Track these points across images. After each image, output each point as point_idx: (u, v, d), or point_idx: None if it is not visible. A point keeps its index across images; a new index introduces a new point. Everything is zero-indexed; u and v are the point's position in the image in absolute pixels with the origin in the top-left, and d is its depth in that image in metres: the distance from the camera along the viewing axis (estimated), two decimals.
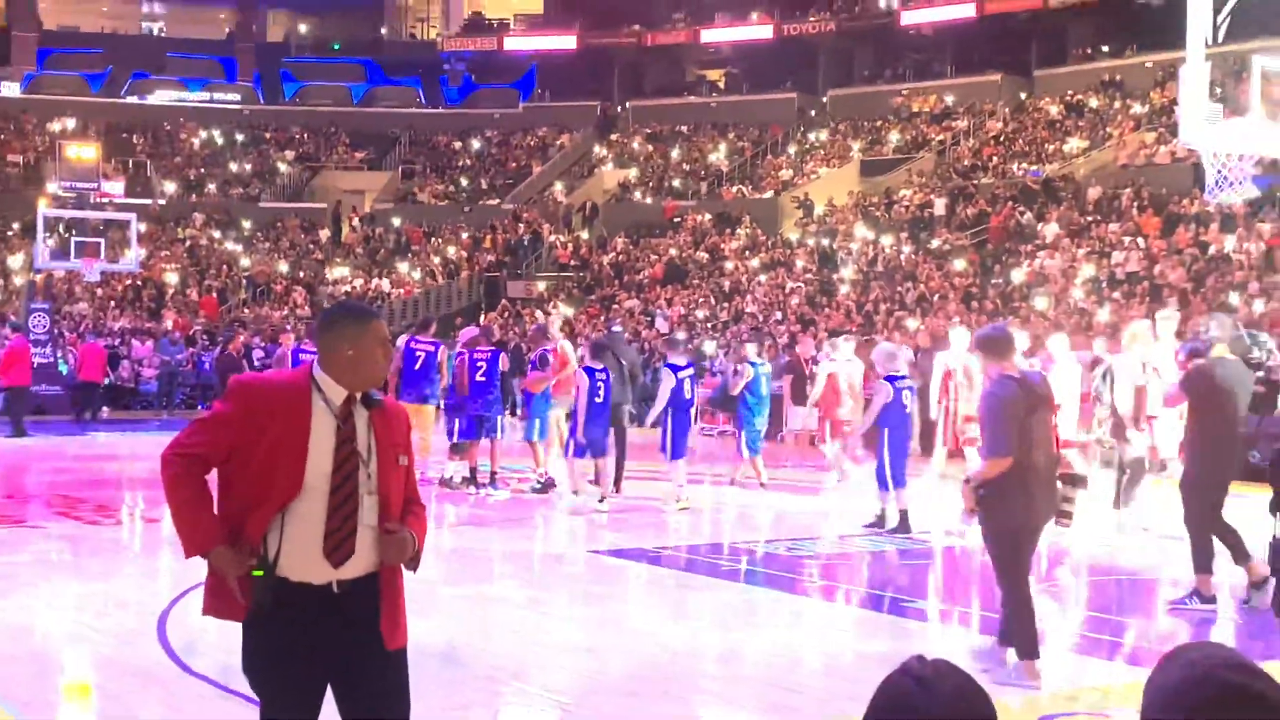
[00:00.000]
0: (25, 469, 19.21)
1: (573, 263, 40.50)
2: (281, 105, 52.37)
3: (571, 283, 38.87)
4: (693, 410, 14.98)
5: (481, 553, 11.92)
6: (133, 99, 50.35)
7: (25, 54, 50.82)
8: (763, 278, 34.25)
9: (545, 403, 15.57)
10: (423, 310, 37.11)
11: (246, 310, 37.11)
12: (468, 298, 39.70)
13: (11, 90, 48.88)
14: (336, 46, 55.81)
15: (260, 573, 3.99)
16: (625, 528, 13.38)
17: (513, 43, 52.27)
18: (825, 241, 35.76)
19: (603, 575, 11.04)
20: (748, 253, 37.16)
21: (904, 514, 12.97)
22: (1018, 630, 7.25)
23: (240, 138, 49.36)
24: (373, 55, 54.94)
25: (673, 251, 38.39)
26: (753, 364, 15.74)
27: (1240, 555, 9.49)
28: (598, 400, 14.06)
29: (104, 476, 17.57)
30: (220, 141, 48.96)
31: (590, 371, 14.14)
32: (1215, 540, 9.38)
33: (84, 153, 35.98)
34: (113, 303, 35.93)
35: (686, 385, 14.49)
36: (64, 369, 29.02)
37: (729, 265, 36.33)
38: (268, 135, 49.87)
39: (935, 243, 33.03)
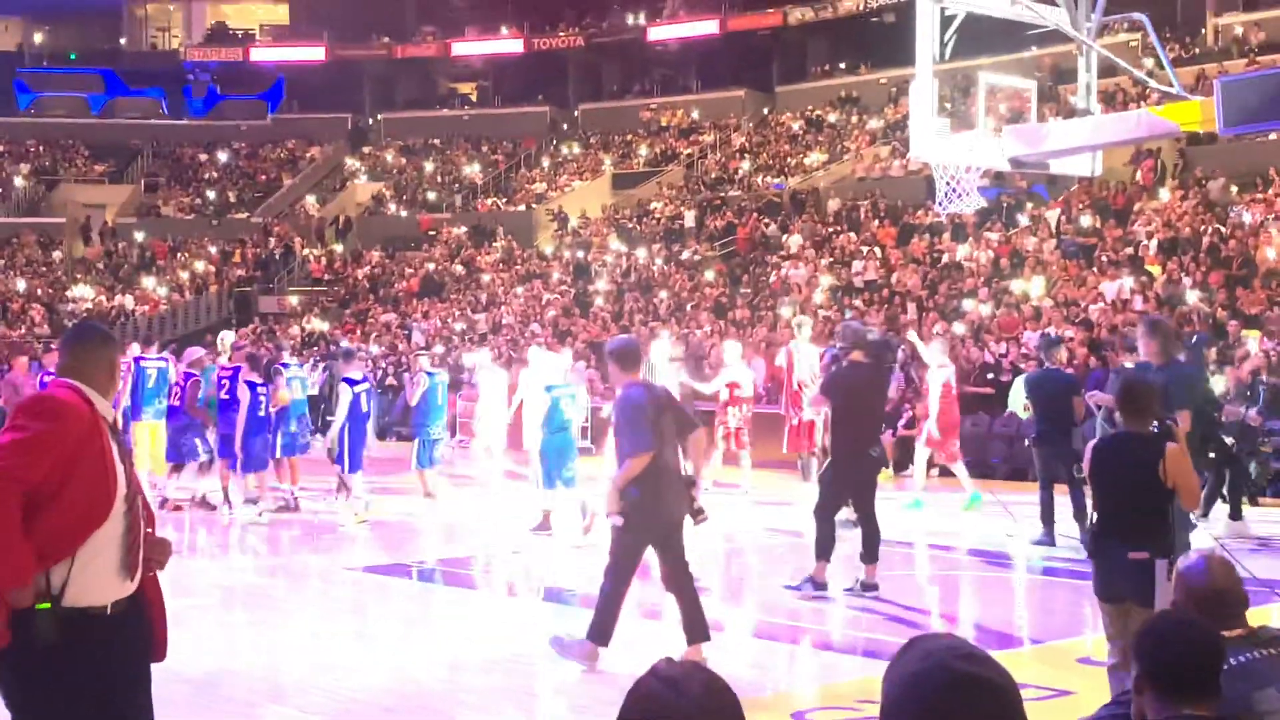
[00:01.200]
0: None
1: (327, 277, 39.74)
2: (16, 117, 49.90)
3: (326, 297, 38.12)
4: (369, 424, 14.89)
5: (235, 574, 11.55)
6: None
7: None
8: (519, 290, 34.21)
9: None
10: (169, 327, 35.90)
11: None
12: (217, 313, 38.53)
13: None
14: (73, 56, 53.48)
15: (47, 605, 3.78)
16: (376, 543, 13.15)
17: (259, 54, 51.01)
18: (580, 254, 35.93)
19: (358, 591, 10.81)
20: (503, 265, 37.06)
21: (547, 514, 13.13)
22: (601, 618, 7.58)
23: None
24: (112, 65, 52.82)
25: (429, 265, 38.02)
26: (429, 374, 15.78)
27: (870, 555, 9.90)
28: (259, 414, 14.44)
29: None
30: None
31: (252, 386, 14.42)
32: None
33: None
34: None
35: (363, 399, 14.36)
36: None
37: (485, 278, 36.17)
38: (1, 148, 47.45)
39: (686, 254, 33.53)
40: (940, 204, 11.81)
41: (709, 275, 31.36)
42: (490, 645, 8.56)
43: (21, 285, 39.13)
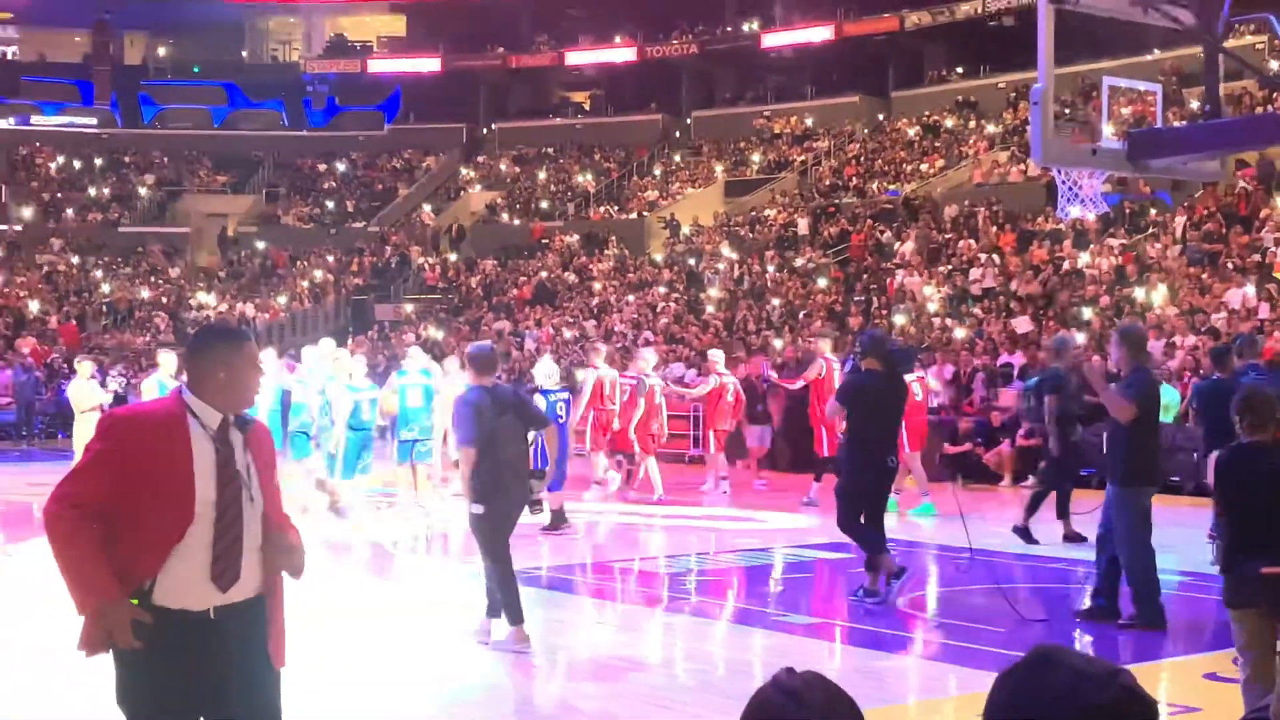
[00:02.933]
0: None
1: (441, 285, 40.23)
2: (141, 129, 51.26)
3: (440, 305, 38.59)
4: (370, 431, 14.95)
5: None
6: None
7: None
8: (631, 297, 34.34)
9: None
10: (288, 334, 36.57)
11: (108, 337, 36.20)
12: (335, 321, 39.19)
13: None
14: (197, 69, 54.79)
15: (135, 601, 3.88)
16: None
17: (377, 65, 51.84)
18: (692, 261, 35.97)
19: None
20: (615, 273, 37.22)
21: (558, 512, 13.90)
22: (507, 601, 8.35)
23: (99, 161, 48.22)
24: (234, 78, 54.04)
25: (542, 273, 38.32)
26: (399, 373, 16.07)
27: (871, 564, 9.97)
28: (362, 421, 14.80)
29: None
30: (78, 165, 47.77)
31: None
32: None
33: None
34: None
35: (364, 406, 14.53)
36: None
37: (597, 285, 36.37)
38: (127, 159, 48.77)
39: (800, 261, 33.41)
40: (1061, 210, 11.63)
41: (822, 282, 31.21)
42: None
43: (146, 293, 40.17)
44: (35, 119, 50.01)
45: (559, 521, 14.04)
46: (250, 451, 4.12)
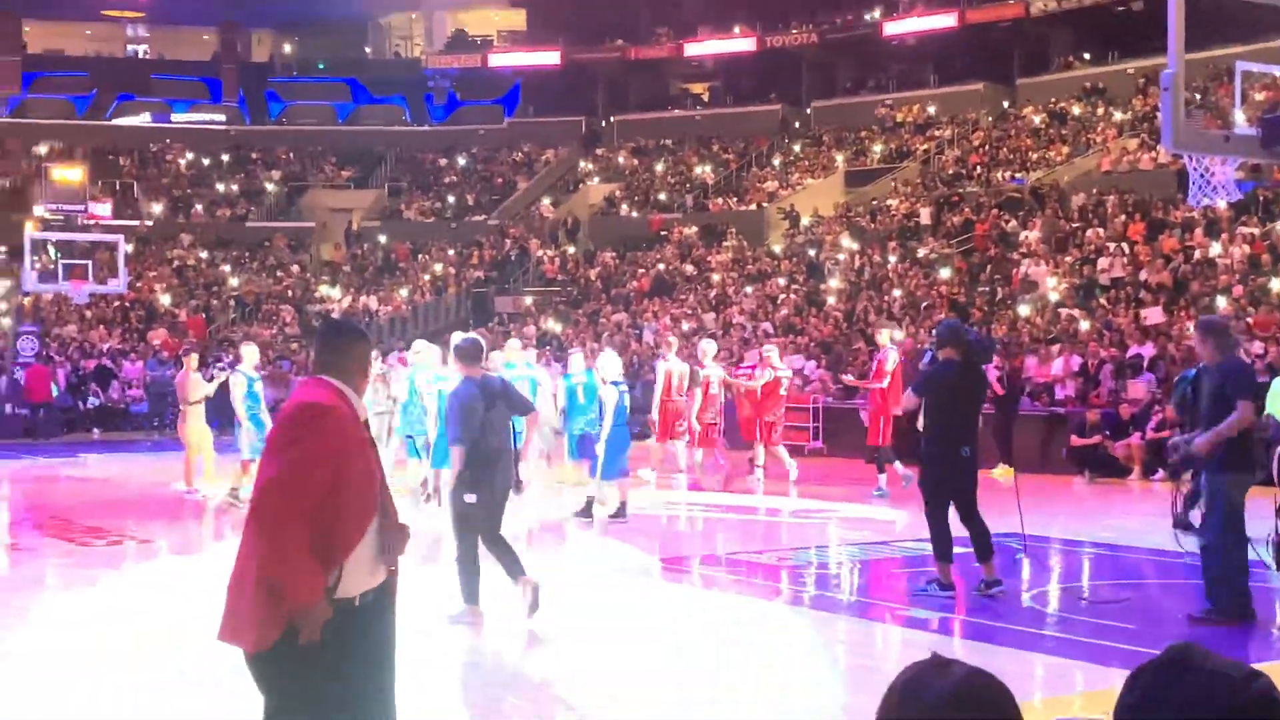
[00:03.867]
0: (18, 492, 19.16)
1: (560, 277, 40.51)
2: (267, 125, 52.37)
3: (559, 297, 38.87)
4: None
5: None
6: (118, 121, 50.30)
7: (10, 78, 50.75)
8: (749, 289, 34.26)
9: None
10: (410, 327, 37.10)
11: (235, 329, 37.04)
12: (455, 313, 39.67)
13: None
14: (321, 66, 55.82)
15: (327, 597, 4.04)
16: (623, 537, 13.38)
17: (497, 59, 52.33)
18: (811, 252, 35.79)
19: (599, 588, 11.02)
20: (734, 265, 37.16)
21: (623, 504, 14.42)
22: (465, 584, 8.92)
23: (226, 158, 49.33)
24: (357, 74, 54.97)
25: (659, 265, 38.40)
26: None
27: (983, 553, 9.96)
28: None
29: (97, 499, 17.48)
30: (206, 162, 48.92)
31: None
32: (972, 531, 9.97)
33: (70, 175, 35.93)
34: (101, 324, 35.87)
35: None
36: (54, 390, 29.00)
37: (715, 277, 36.35)
38: (254, 155, 49.83)
39: (922, 251, 33.07)
40: (1193, 198, 11.39)
41: (945, 273, 30.86)
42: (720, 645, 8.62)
43: (272, 286, 41.04)
44: (165, 117, 51.33)
45: (620, 513, 14.40)
46: (372, 442, 4.32)
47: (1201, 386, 9.60)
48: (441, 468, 14.47)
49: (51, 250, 32.26)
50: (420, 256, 43.67)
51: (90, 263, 31.50)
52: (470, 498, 8.77)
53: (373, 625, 4.11)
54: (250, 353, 16.79)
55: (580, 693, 7.53)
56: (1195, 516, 10.88)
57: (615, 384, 14.38)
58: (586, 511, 14.54)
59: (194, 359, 18.10)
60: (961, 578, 10.16)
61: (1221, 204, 12.55)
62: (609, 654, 8.50)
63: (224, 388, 16.86)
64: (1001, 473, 17.70)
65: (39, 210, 36.96)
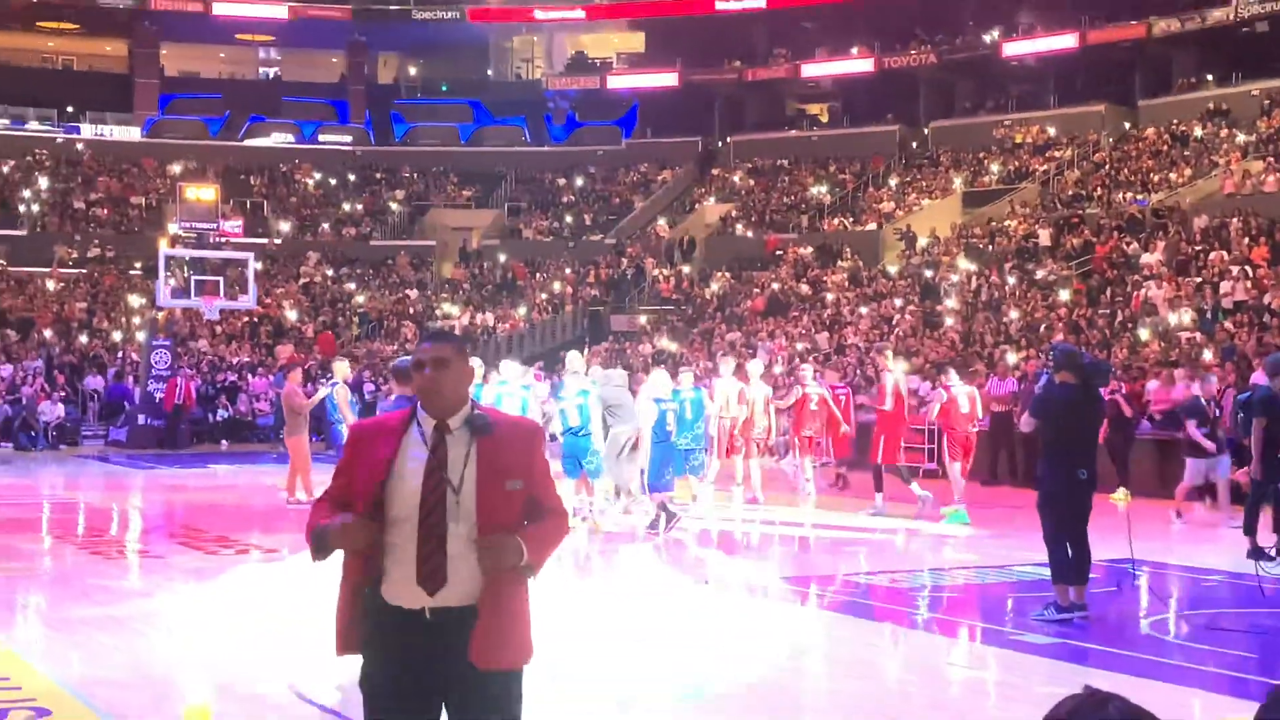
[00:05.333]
0: (148, 500, 19.66)
1: (675, 296, 40.57)
2: (392, 146, 53.23)
3: (674, 315, 38.93)
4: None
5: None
6: (249, 142, 51.47)
7: (147, 100, 52.22)
8: (864, 309, 34.03)
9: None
10: (528, 345, 37.41)
11: (359, 345, 37.64)
12: (571, 331, 39.92)
13: (134, 135, 50.21)
14: (445, 88, 56.59)
15: (369, 590, 4.07)
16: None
17: (615, 81, 52.66)
18: (927, 273, 35.45)
19: (702, 598, 11.01)
20: (850, 285, 36.93)
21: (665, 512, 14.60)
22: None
23: (352, 178, 50.22)
24: (479, 96, 55.64)
25: (774, 285, 38.30)
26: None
27: (1079, 576, 9.93)
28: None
29: (225, 509, 17.87)
30: (333, 182, 49.83)
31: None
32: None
33: (203, 194, 36.77)
34: (231, 339, 36.68)
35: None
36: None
37: (830, 297, 36.16)
38: (378, 175, 50.67)
39: (1041, 273, 32.60)
40: None
41: (1064, 295, 30.37)
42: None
43: (394, 303, 41.67)
44: (294, 137, 52.40)
45: (656, 524, 14.66)
46: (477, 458, 4.10)
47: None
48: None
49: (184, 267, 33.07)
50: (538, 275, 44.04)
51: (221, 279, 32.21)
52: None
53: (429, 643, 4.06)
54: (341, 367, 17.66)
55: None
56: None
57: (658, 401, 14.81)
58: (655, 525, 14.75)
59: (298, 374, 18.79)
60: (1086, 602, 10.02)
61: None
62: (743, 676, 8.48)
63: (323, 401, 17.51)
64: (1121, 497, 17.40)
65: (173, 228, 37.89)
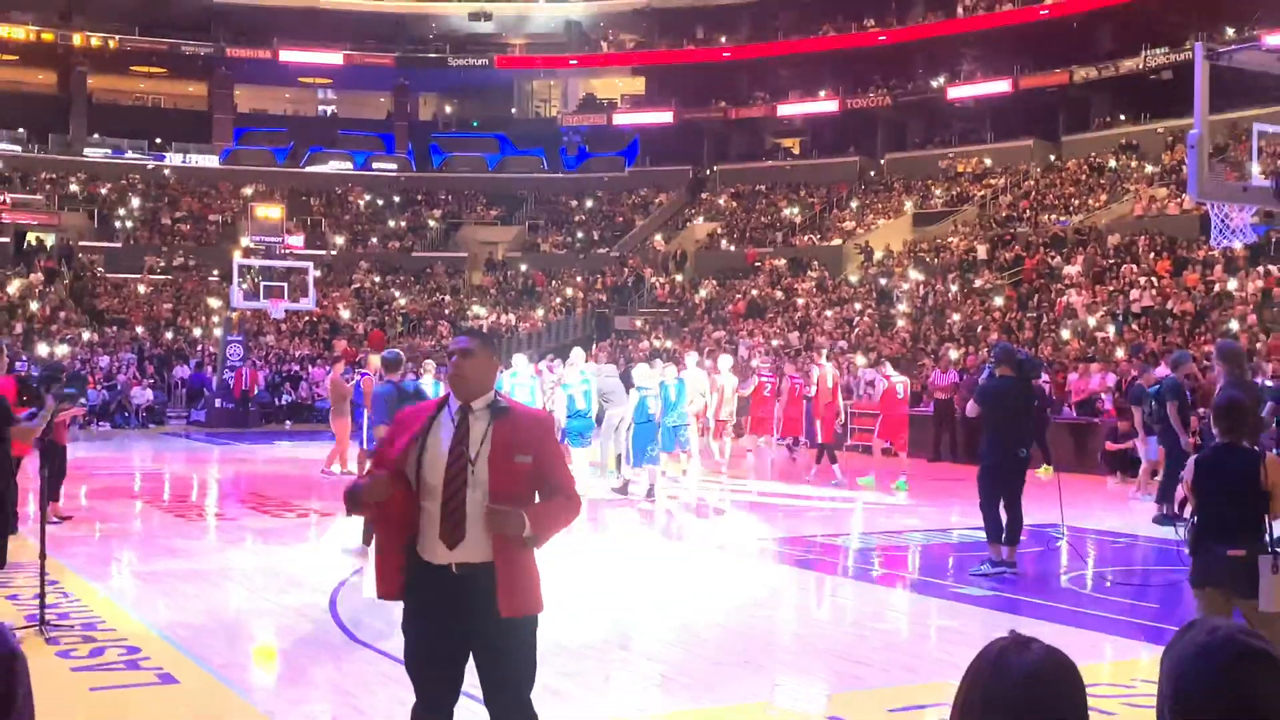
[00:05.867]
0: (223, 472, 19.68)
1: (669, 301, 40.53)
2: (431, 172, 53.13)
3: (668, 317, 38.88)
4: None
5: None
6: (310, 168, 51.40)
7: (224, 132, 52.12)
8: (830, 312, 34.00)
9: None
10: (545, 341, 37.40)
11: (402, 340, 37.60)
12: (581, 330, 39.90)
13: (212, 162, 50.15)
14: (475, 124, 56.52)
15: (408, 548, 4.12)
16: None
17: (620, 118, 52.54)
18: (883, 281, 35.42)
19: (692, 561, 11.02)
20: (817, 291, 36.90)
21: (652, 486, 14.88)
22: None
23: (397, 199, 50.15)
24: (504, 130, 55.53)
25: (753, 291, 38.25)
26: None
27: (1011, 537, 10.00)
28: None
29: (286, 477, 17.90)
30: (380, 203, 49.79)
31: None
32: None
33: (271, 213, 36.70)
34: (294, 335, 36.67)
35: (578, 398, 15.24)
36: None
37: (801, 302, 36.12)
38: (419, 197, 50.62)
39: (978, 282, 32.58)
40: (1214, 240, 11.14)
41: (998, 301, 30.35)
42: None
43: (432, 306, 41.63)
44: (348, 165, 52.33)
45: (644, 493, 14.91)
46: (492, 436, 4.08)
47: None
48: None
49: (255, 274, 33.04)
50: (553, 282, 44.02)
51: (286, 284, 32.16)
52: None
53: (455, 593, 4.06)
54: (374, 360, 17.43)
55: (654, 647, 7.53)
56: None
57: (640, 389, 15.08)
58: (623, 490, 15.40)
59: (340, 366, 18.87)
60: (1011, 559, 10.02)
61: (1238, 245, 12.29)
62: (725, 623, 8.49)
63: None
64: (1044, 471, 17.44)
65: (245, 241, 37.85)
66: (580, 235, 47.81)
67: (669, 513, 14.31)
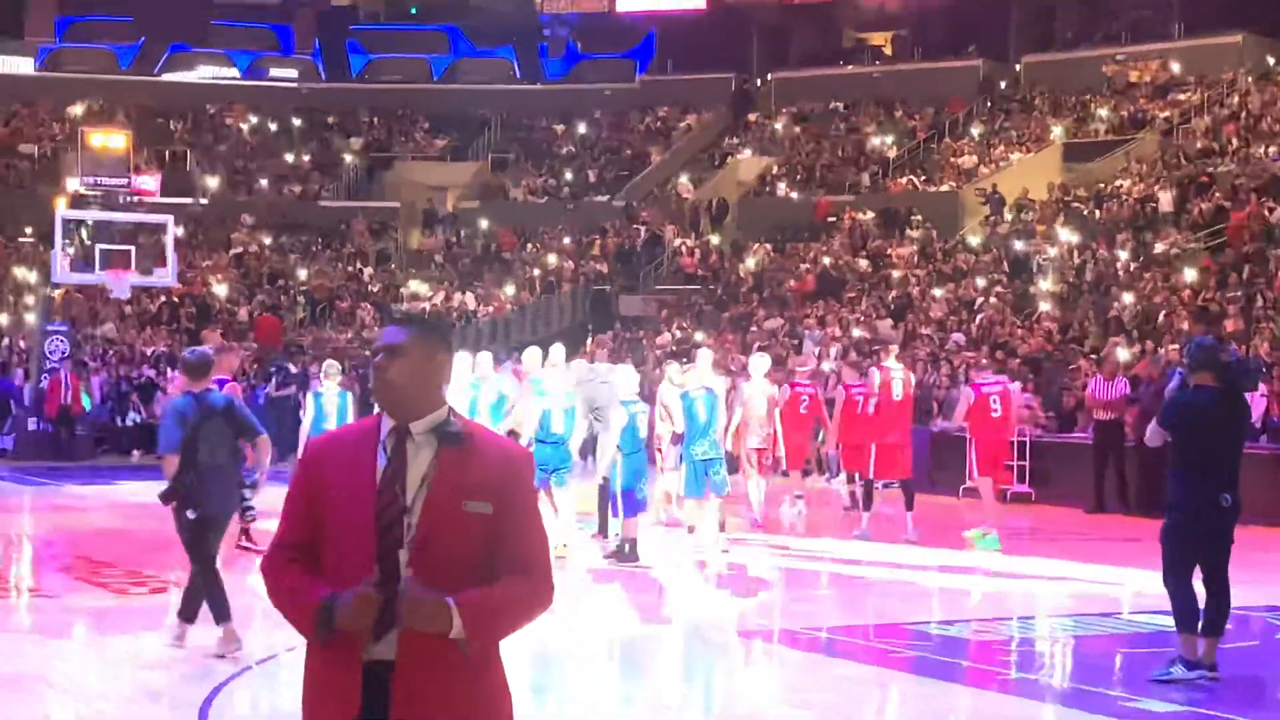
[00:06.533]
0: (39, 525, 19.66)
1: (701, 273, 40.52)
2: (347, 83, 53.23)
3: (700, 298, 38.83)
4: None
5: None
6: (169, 77, 51.48)
7: (41, 24, 52.23)
8: (939, 291, 33.95)
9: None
10: (516, 333, 37.38)
11: (305, 332, 37.61)
12: (571, 316, 39.87)
13: (24, 67, 50.27)
14: (414, 10, 56.62)
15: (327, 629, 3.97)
16: None
17: (627, 2, 52.57)
18: (1018, 246, 35.37)
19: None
20: (921, 260, 36.87)
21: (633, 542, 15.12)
22: (213, 601, 10.23)
23: (297, 123, 50.23)
24: (457, 21, 55.57)
25: (825, 259, 38.24)
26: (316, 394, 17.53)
27: (1212, 626, 9.87)
28: None
29: (132, 534, 17.82)
30: (274, 128, 49.84)
31: None
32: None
33: (111, 142, 36.71)
34: (145, 324, 36.70)
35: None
36: (87, 402, 29.77)
37: (896, 275, 36.09)
38: (330, 120, 50.69)
39: (1160, 246, 32.52)
40: None
41: (1191, 275, 30.27)
42: None
43: (349, 280, 41.63)
44: (225, 72, 52.39)
45: (626, 552, 15.15)
46: (437, 471, 4.05)
47: None
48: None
49: (86, 233, 32.97)
50: (529, 246, 44.01)
51: (133, 249, 32.08)
52: (191, 513, 10.19)
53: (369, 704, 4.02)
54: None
55: None
56: None
57: (626, 404, 15.25)
58: (623, 553, 15.31)
59: (184, 382, 18.84)
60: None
61: None
62: None
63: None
64: None
65: (73, 184, 37.85)
66: (569, 177, 47.85)
67: (663, 589, 14.31)
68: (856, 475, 19.09)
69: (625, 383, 15.58)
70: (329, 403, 16.89)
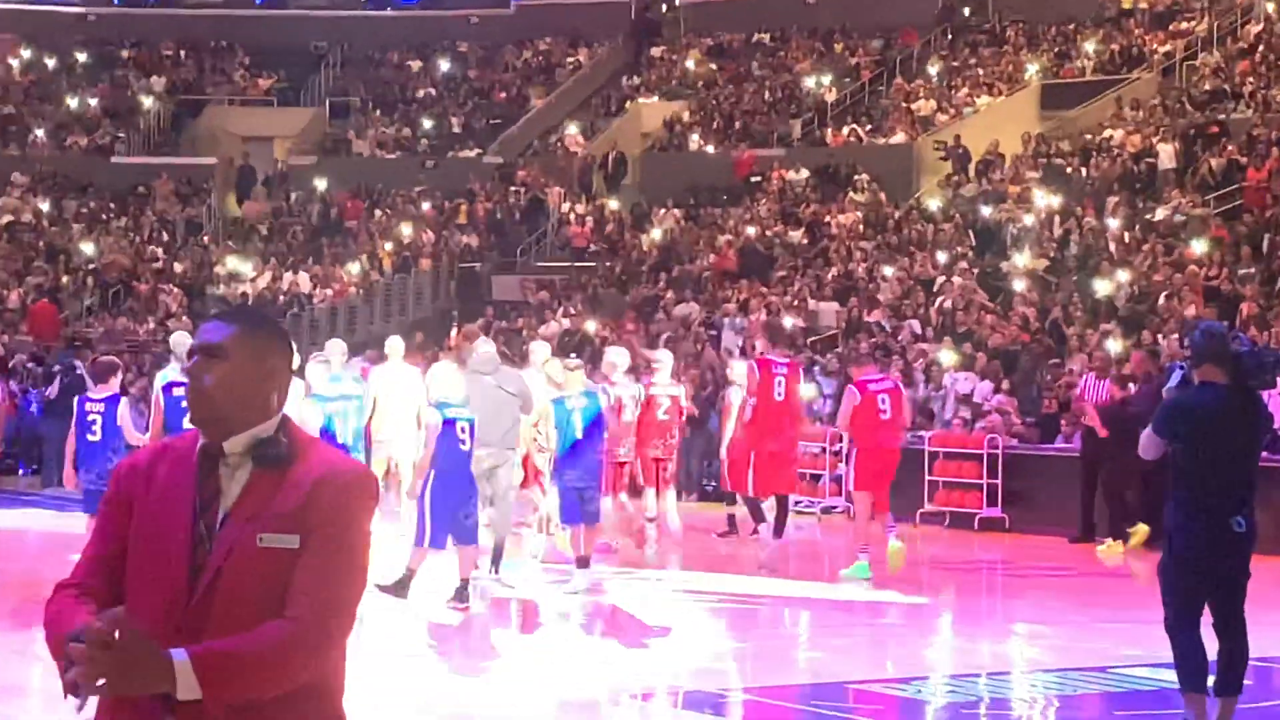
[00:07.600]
0: None
1: (594, 247, 40.52)
2: (146, 8, 52.76)
3: (594, 276, 38.80)
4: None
5: None
6: None
7: None
8: (890, 270, 34.11)
9: None
10: (363, 321, 37.23)
11: (91, 322, 37.26)
12: (432, 300, 39.77)
13: None
14: None
15: None
16: None
17: None
18: (986, 211, 35.62)
19: None
20: (867, 229, 37.04)
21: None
22: None
23: (82, 58, 49.76)
24: None
25: (750, 230, 38.31)
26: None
27: (1226, 685, 9.99)
28: None
29: None
30: (51, 64, 49.36)
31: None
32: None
33: None
34: None
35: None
36: None
37: (837, 250, 36.22)
38: (124, 54, 50.25)
39: (1161, 212, 32.85)
40: None
41: (1198, 246, 30.61)
42: None
43: (149, 256, 41.32)
44: None
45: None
46: (246, 497, 4.08)
47: None
48: None
49: None
50: (379, 213, 43.85)
51: None
52: None
53: None
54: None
55: None
56: None
57: (559, 402, 15.89)
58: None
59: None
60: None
61: None
62: None
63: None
64: (1135, 537, 17.76)
65: None
66: (428, 125, 47.71)
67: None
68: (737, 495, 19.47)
69: (557, 374, 16.23)
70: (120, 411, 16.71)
